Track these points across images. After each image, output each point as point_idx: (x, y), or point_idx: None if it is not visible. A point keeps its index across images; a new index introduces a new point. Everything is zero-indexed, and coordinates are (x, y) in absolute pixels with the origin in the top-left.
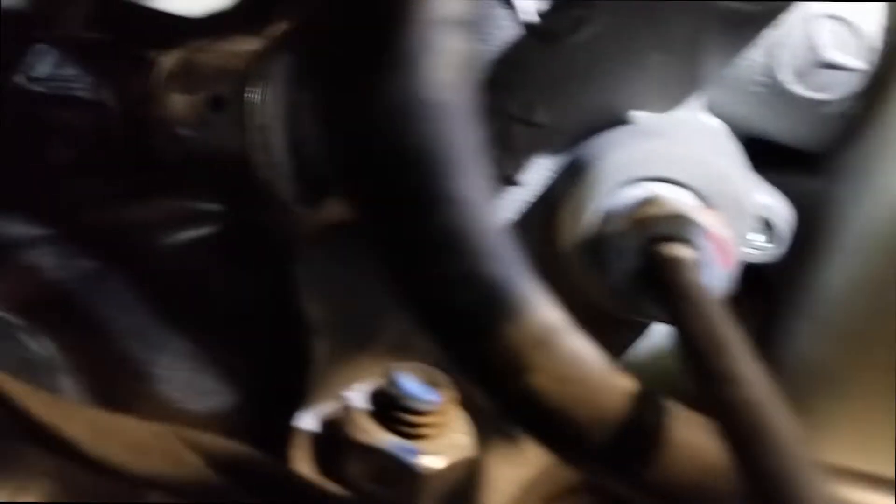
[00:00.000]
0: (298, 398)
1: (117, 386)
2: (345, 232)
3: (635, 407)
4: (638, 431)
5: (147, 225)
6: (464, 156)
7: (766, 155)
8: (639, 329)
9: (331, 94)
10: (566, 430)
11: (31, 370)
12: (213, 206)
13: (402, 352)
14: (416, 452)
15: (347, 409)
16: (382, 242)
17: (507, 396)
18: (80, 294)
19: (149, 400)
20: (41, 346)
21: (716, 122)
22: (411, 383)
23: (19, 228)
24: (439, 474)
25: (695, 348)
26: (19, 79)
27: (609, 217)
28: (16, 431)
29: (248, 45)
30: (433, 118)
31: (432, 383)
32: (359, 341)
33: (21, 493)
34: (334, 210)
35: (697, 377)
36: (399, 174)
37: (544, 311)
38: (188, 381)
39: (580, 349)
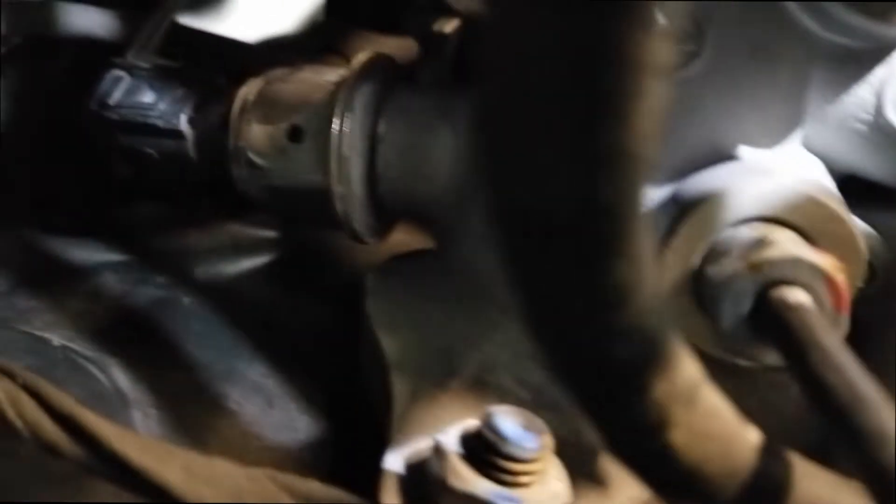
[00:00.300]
0: (376, 436)
1: (189, 419)
2: (415, 264)
3: (764, 461)
4: (767, 486)
5: (214, 252)
6: (643, 210)
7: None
8: (743, 375)
9: (520, 140)
10: (700, 486)
11: (101, 403)
12: (284, 234)
13: (482, 387)
14: (518, 502)
15: (440, 453)
16: (546, 291)
17: (646, 451)
18: (147, 323)
19: (221, 434)
20: (110, 379)
21: (815, 159)
22: (512, 428)
23: (86, 254)
24: None
25: (832, 402)
26: (93, 105)
27: (719, 258)
28: (107, 475)
29: (326, 75)
30: (630, 173)
31: (529, 428)
32: (438, 377)
33: None
34: (401, 242)
35: (837, 432)
36: (586, 227)
37: (689, 366)
38: (260, 416)
39: (715, 403)
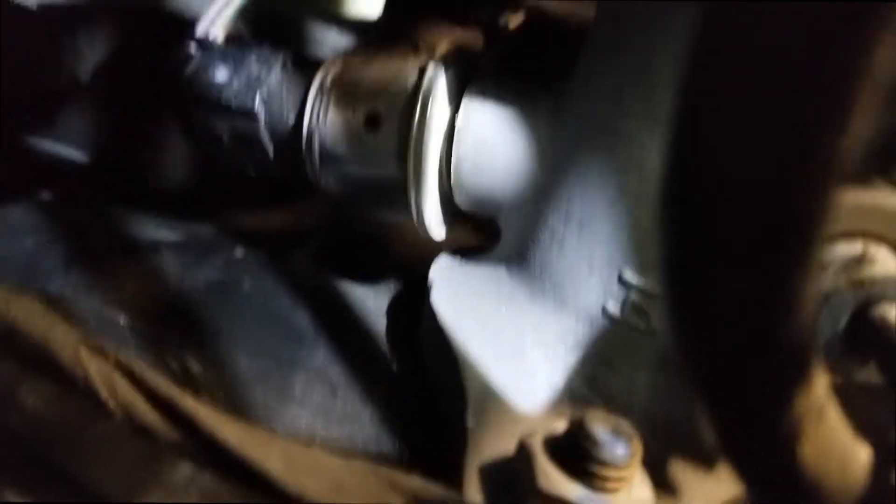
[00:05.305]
0: (442, 427)
1: (256, 406)
2: (479, 260)
3: (873, 476)
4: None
5: (269, 236)
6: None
7: None
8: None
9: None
10: (817, 500)
11: None
12: (336, 221)
13: (554, 389)
14: None
15: (527, 454)
16: (716, 299)
17: (775, 464)
18: (209, 305)
19: (286, 422)
20: (178, 360)
21: None
22: (604, 433)
23: (142, 232)
24: None
25: None
26: (163, 80)
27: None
28: (206, 463)
29: (407, 63)
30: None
31: (619, 433)
32: (510, 375)
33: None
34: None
35: None
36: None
37: (822, 381)
38: (324, 405)
39: (836, 418)
